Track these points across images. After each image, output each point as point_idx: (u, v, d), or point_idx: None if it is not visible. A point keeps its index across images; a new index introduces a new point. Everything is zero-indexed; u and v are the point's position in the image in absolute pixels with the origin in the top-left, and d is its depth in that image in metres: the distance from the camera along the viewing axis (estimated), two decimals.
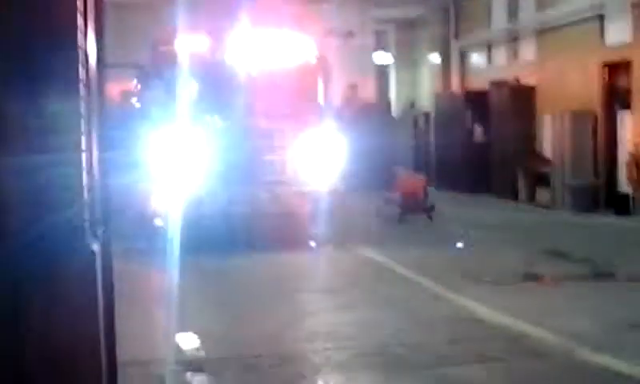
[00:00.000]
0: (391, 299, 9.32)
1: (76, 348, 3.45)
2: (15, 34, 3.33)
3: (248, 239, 12.19)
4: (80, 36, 3.49)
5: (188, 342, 7.24)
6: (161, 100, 12.80)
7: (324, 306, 9.01)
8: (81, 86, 3.50)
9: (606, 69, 18.24)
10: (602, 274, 10.53)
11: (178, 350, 7.00)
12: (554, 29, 20.17)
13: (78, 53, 3.47)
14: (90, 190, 3.62)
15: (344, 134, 14.12)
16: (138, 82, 14.60)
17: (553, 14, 20.07)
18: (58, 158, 3.40)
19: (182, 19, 12.74)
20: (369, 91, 26.58)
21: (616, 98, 18.11)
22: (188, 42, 12.99)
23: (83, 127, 3.54)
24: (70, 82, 3.44)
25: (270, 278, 10.60)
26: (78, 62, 3.47)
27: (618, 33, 17.82)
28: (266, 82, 13.08)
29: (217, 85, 12.96)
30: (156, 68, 13.39)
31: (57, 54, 3.41)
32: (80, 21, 3.52)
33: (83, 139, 3.54)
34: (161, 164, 12.25)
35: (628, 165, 17.11)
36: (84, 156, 3.55)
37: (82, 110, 3.53)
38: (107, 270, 3.77)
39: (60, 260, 3.39)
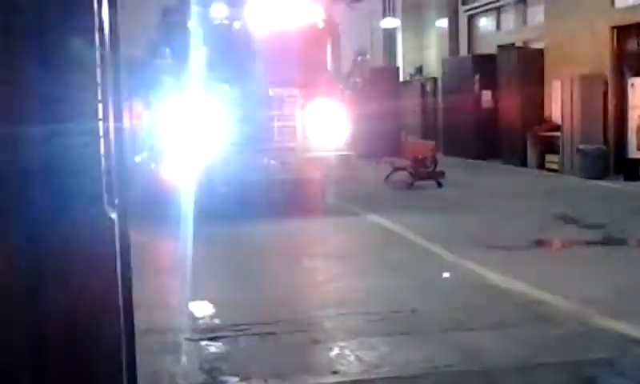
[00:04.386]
0: (402, 265, 9.32)
1: (94, 315, 3.46)
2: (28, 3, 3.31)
3: (259, 206, 12.19)
4: (95, 2, 3.46)
5: (202, 309, 7.27)
6: (169, 68, 12.76)
7: (336, 272, 9.02)
8: (97, 53, 3.48)
9: (616, 32, 18.08)
10: (613, 240, 10.53)
11: (193, 318, 7.03)
12: None
13: (93, 19, 3.45)
14: (107, 159, 3.61)
15: (353, 100, 14.06)
16: (148, 49, 14.55)
17: None
18: (74, 127, 3.39)
19: None
20: (376, 57, 26.42)
21: (626, 61, 17.97)
22: (197, 8, 12.90)
23: (100, 95, 3.52)
24: (87, 49, 3.41)
25: (281, 245, 10.61)
26: (94, 29, 3.45)
27: None
28: (275, 48, 12.99)
29: (226, 51, 12.89)
30: (164, 35, 13.33)
31: (72, 21, 3.39)
32: None
33: (100, 107, 3.53)
34: (171, 132, 12.23)
35: (638, 130, 17.02)
36: (101, 124, 3.54)
37: (99, 77, 3.51)
38: (124, 237, 3.77)
39: (78, 228, 3.39)
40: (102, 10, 3.64)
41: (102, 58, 3.58)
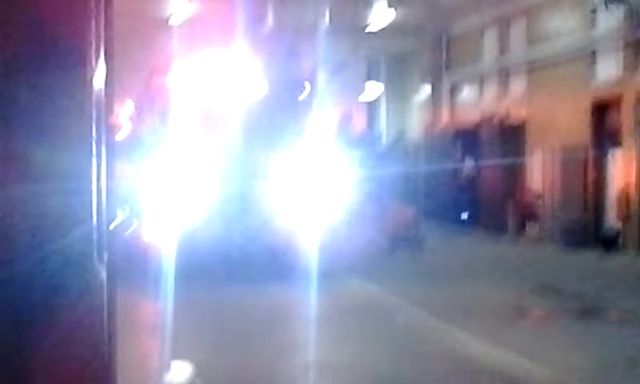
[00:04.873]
0: (384, 331, 9.28)
1: (80, 374, 3.42)
2: (24, 56, 3.33)
3: (242, 269, 12.14)
4: (92, 60, 3.49)
5: (183, 371, 7.18)
6: (153, 129, 12.81)
7: (318, 336, 8.93)
8: (93, 109, 3.49)
9: (596, 105, 18.35)
10: (592, 311, 10.55)
11: (174, 379, 6.94)
12: (544, 64, 20.32)
13: (89, 80, 3.47)
14: (98, 215, 3.60)
15: (337, 164, 14.13)
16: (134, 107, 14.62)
17: (543, 50, 20.23)
18: (66, 183, 3.39)
19: (177, 49, 12.80)
20: (360, 122, 26.62)
21: (606, 134, 18.21)
22: (182, 72, 13.02)
23: (93, 151, 3.53)
24: (81, 105, 3.43)
25: (263, 308, 10.53)
26: (89, 90, 3.47)
27: (608, 70, 17.98)
28: (259, 111, 13.09)
29: (210, 115, 12.96)
30: (150, 97, 13.40)
31: (68, 76, 3.40)
32: (92, 45, 3.51)
33: (93, 163, 3.53)
34: (152, 192, 12.22)
35: (618, 202, 17.18)
36: (93, 181, 3.54)
37: (93, 134, 3.52)
38: (112, 295, 3.75)
39: (67, 283, 3.37)
40: (99, 65, 3.66)
41: (97, 113, 3.60)
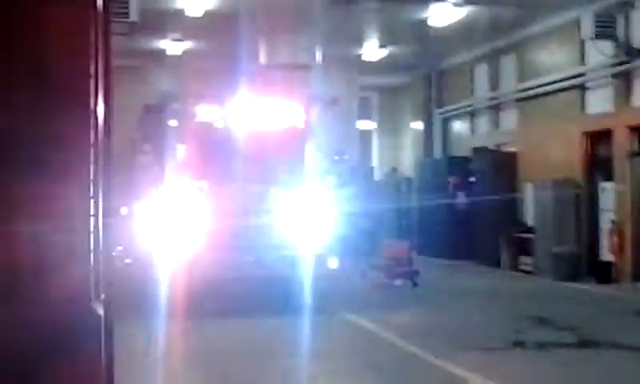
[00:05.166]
0: (380, 366, 9.27)
1: None
2: (26, 99, 3.37)
3: (236, 304, 12.13)
4: (92, 100, 3.53)
5: None
6: (149, 163, 12.86)
7: (313, 372, 8.95)
8: (91, 150, 3.53)
9: (587, 138, 18.48)
10: (588, 342, 10.58)
11: None
12: (535, 98, 20.47)
13: (89, 117, 3.51)
14: (95, 254, 3.63)
15: (330, 199, 14.18)
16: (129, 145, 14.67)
17: (534, 84, 20.38)
18: (65, 223, 3.42)
19: (172, 84, 12.88)
20: (353, 156, 26.74)
21: (597, 166, 18.33)
22: (178, 107, 13.10)
23: (92, 192, 3.56)
24: (81, 146, 3.46)
25: (257, 343, 10.52)
26: (89, 128, 3.50)
27: (598, 102, 18.13)
28: (253, 147, 13.16)
29: (206, 149, 13.03)
30: (145, 132, 13.47)
31: (69, 118, 3.44)
32: (92, 86, 3.56)
33: (91, 203, 3.56)
34: (149, 227, 12.23)
35: (610, 234, 17.24)
36: (91, 221, 3.57)
37: (92, 174, 3.55)
38: (109, 333, 3.76)
39: (65, 323, 3.39)
40: (98, 105, 3.71)
41: (95, 154, 3.63)
